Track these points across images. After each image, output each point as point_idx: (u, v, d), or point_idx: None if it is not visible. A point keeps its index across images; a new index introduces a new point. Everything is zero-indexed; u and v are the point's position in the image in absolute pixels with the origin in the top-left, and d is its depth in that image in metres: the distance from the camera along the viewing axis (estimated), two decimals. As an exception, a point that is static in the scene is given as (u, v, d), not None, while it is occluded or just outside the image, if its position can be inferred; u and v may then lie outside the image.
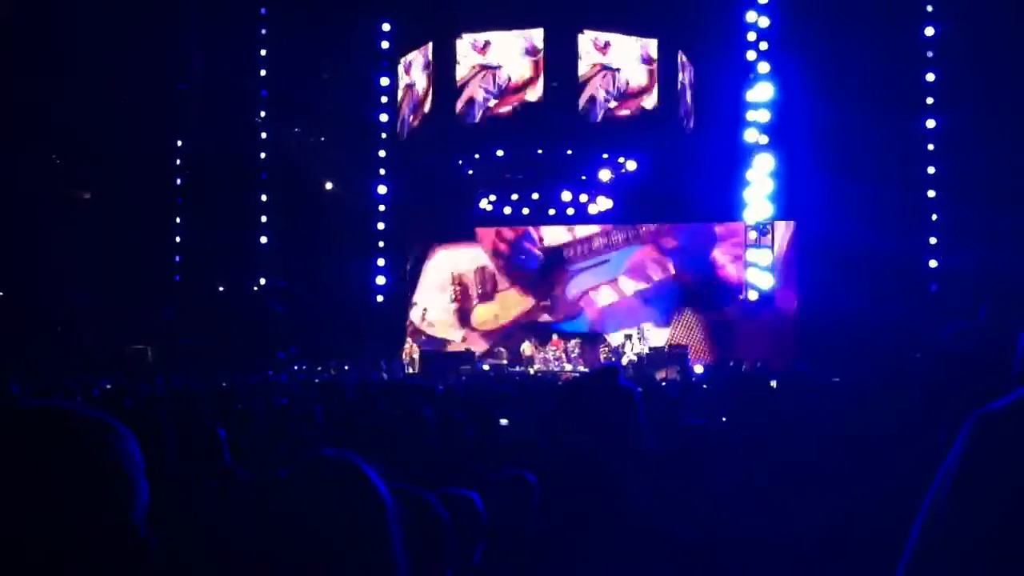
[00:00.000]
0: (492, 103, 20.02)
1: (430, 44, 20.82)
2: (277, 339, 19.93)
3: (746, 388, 3.20)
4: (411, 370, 19.26)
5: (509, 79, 19.94)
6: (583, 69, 19.76)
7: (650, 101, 19.90)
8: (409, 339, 20.45)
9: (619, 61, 19.90)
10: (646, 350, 18.69)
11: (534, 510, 3.39)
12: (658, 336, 19.56)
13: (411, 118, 21.35)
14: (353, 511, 1.38)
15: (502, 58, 20.04)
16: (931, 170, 18.51)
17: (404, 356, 19.99)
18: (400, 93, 21.61)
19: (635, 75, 19.95)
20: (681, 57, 20.17)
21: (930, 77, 18.52)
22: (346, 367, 18.78)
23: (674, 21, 19.41)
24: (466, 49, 20.14)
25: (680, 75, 20.19)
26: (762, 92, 18.80)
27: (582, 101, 19.69)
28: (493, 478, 3.76)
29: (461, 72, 20.20)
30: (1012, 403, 1.06)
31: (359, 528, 1.38)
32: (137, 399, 8.35)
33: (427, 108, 20.86)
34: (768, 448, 2.96)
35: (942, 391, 2.11)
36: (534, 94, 19.84)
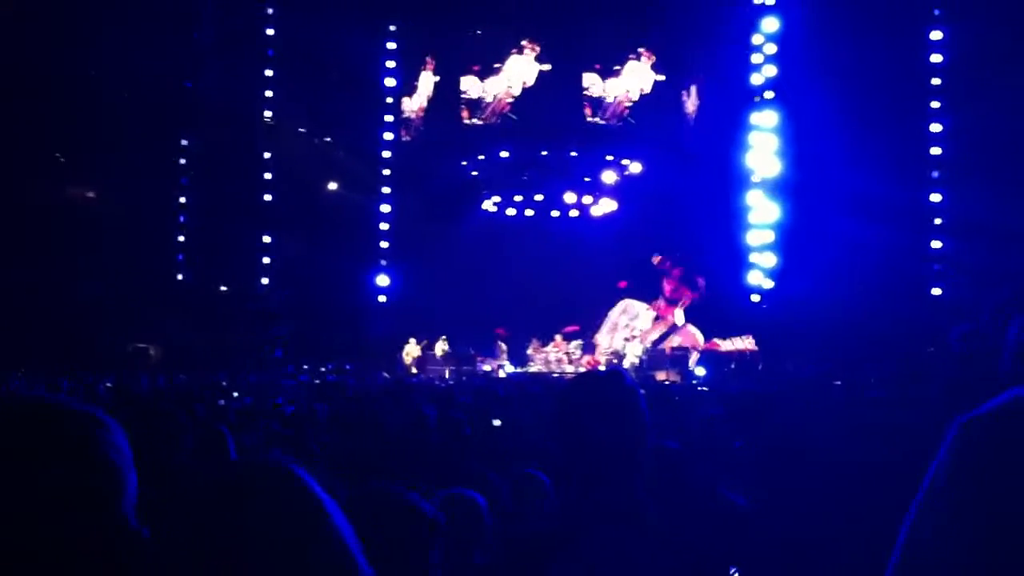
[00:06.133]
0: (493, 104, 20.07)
1: (435, 46, 20.87)
2: (278, 339, 19.90)
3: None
4: (414, 370, 19.30)
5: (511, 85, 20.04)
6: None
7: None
8: (412, 340, 20.28)
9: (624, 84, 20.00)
10: (646, 354, 18.68)
11: (546, 509, 3.36)
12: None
13: (416, 119, 21.36)
14: (285, 516, 1.28)
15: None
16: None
17: (404, 356, 19.92)
18: (405, 94, 21.61)
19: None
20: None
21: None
22: (347, 367, 18.76)
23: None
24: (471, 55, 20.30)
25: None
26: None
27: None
28: (506, 476, 3.73)
29: (466, 74, 20.26)
30: (995, 408, 1.03)
31: (293, 533, 1.28)
32: (138, 396, 8.33)
33: (431, 109, 20.88)
34: (775, 453, 2.93)
35: (955, 391, 2.08)
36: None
